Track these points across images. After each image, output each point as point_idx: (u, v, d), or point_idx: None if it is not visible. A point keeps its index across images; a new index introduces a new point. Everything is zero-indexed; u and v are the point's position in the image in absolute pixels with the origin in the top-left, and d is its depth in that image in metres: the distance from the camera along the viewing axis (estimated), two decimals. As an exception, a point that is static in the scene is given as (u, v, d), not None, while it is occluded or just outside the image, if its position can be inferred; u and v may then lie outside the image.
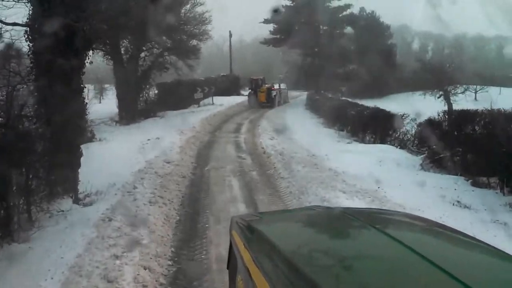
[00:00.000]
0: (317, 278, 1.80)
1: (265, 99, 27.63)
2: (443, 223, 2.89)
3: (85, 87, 9.42)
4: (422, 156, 11.04)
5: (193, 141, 15.01)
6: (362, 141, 14.98)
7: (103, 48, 23.68)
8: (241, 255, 2.57)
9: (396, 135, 13.81)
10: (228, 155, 12.64)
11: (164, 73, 25.48)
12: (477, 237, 2.35)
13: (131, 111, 23.22)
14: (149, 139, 15.04)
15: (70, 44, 7.19)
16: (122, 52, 23.26)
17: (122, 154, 11.66)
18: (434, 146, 10.20)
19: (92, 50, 7.35)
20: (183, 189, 8.77)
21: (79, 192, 7.83)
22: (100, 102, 39.30)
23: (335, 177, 9.00)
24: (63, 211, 6.81)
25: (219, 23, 24.68)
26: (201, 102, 29.43)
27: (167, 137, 15.35)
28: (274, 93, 27.74)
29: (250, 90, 28.73)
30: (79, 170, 7.85)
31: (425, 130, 11.09)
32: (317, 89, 28.65)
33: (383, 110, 14.24)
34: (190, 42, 23.89)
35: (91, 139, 15.83)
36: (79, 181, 7.80)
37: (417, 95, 31.01)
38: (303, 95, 36.99)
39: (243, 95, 39.22)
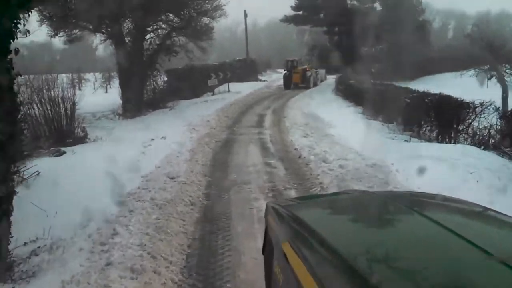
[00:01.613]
0: (357, 263, 1.71)
1: (299, 79, 27.45)
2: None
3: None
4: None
5: (207, 140, 12.00)
6: (419, 136, 11.80)
7: (103, 30, 20.82)
8: (278, 240, 2.46)
9: (468, 130, 10.58)
10: (252, 162, 9.59)
11: (173, 58, 22.45)
12: None
13: (136, 102, 20.35)
14: (153, 139, 12.15)
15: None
16: (125, 34, 20.25)
17: (114, 164, 8.68)
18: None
19: (28, 11, 4.26)
20: (190, 232, 5.73)
21: (25, 243, 4.92)
22: (106, 92, 36.77)
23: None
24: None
25: (231, 7, 21.32)
26: (216, 90, 26.40)
27: (175, 135, 12.44)
28: (309, 73, 27.35)
29: (285, 71, 28.43)
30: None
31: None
32: (347, 71, 25.39)
33: (450, 97, 10.95)
34: (201, 20, 20.62)
35: (83, 139, 12.98)
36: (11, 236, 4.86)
37: (454, 76, 27.96)
38: (328, 79, 33.76)
39: (260, 80, 36.07)
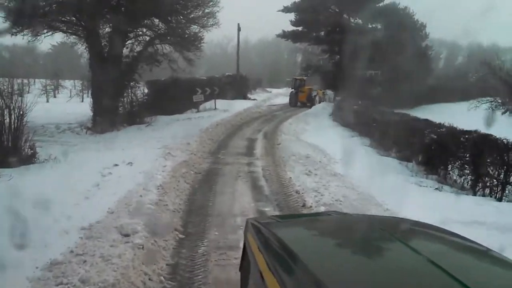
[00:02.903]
0: (329, 285, 1.72)
1: (305, 98, 28.31)
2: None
3: None
4: None
5: (184, 172, 9.54)
6: (445, 181, 9.57)
7: (79, 32, 18.38)
8: (255, 258, 2.40)
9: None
10: (241, 209, 7.17)
11: (156, 69, 20.08)
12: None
13: (110, 115, 17.77)
14: (116, 165, 9.69)
15: None
16: (101, 37, 17.82)
17: (50, 204, 6.12)
18: None
19: None
20: None
21: None
22: (82, 101, 34.02)
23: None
24: None
25: (223, 23, 19.09)
26: (201, 107, 24.02)
27: (145, 161, 9.98)
28: (314, 93, 28.32)
29: (292, 90, 29.47)
30: None
31: None
32: (347, 95, 23.34)
33: (493, 136, 8.71)
34: (190, 27, 18.29)
35: (29, 159, 10.41)
36: None
37: (455, 107, 26.51)
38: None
39: (250, 99, 33.83)
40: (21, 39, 16.90)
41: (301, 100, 28.73)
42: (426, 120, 11.83)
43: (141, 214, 6.23)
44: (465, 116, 17.35)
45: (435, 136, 10.00)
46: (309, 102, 28.03)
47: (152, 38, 17.66)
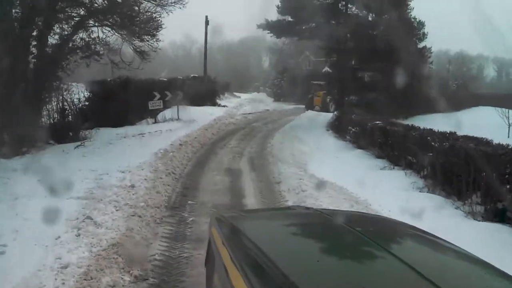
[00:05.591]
0: (293, 277, 1.70)
1: (320, 103, 28.97)
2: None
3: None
4: None
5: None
6: None
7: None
8: (219, 252, 2.34)
9: None
10: None
11: (100, 66, 14.62)
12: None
13: (23, 130, 12.12)
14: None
15: None
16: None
17: None
18: None
19: None
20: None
21: None
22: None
23: None
24: None
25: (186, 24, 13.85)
26: (160, 116, 18.61)
27: (26, 252, 4.67)
28: (328, 98, 28.23)
29: (310, 95, 30.70)
30: None
31: None
32: (348, 103, 18.73)
33: None
34: (141, 5, 12.79)
35: None
36: None
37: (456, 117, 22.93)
38: (299, 111, 27.63)
39: (219, 105, 28.57)
40: None
41: (316, 104, 29.69)
42: (492, 144, 7.23)
43: None
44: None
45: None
46: (324, 107, 28.20)
47: (84, 17, 12.08)
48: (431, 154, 8.42)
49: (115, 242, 5.03)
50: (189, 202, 7.45)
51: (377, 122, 11.85)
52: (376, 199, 7.13)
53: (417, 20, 27.35)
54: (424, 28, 27.45)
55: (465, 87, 49.77)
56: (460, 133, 9.10)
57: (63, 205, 6.26)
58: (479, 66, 67.49)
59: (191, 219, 6.48)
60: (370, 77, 22.87)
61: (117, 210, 6.32)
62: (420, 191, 8.01)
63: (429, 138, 8.64)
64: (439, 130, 9.50)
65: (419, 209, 6.00)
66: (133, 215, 6.19)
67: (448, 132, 8.97)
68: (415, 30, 26.65)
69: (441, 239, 2.29)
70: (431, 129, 9.51)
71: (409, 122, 16.98)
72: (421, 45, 27.37)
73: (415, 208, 5.84)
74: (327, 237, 2.43)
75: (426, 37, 27.69)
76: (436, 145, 8.43)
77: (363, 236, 2.20)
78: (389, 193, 7.12)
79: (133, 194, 7.22)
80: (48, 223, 5.43)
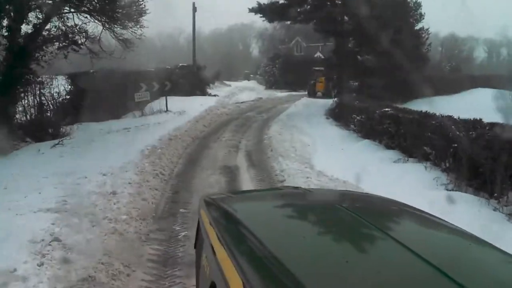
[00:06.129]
0: (280, 256, 1.68)
1: (323, 88, 28.58)
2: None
3: None
4: None
5: None
6: None
7: None
8: (207, 232, 2.35)
9: None
10: None
11: (81, 57, 13.41)
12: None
13: (-3, 128, 10.97)
14: None
15: None
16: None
17: None
18: None
19: None
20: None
21: None
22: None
23: None
24: None
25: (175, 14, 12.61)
26: (147, 108, 17.43)
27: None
28: (331, 84, 27.13)
29: (312, 81, 29.97)
30: None
31: None
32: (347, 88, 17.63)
33: None
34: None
35: None
36: None
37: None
38: (294, 98, 26.54)
39: (210, 94, 27.33)
40: None
41: (319, 89, 29.10)
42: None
43: None
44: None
45: None
46: (326, 92, 27.21)
47: (58, 3, 10.83)
48: (455, 145, 7.38)
49: (86, 276, 3.95)
50: (180, 210, 6.37)
51: (387, 109, 10.76)
52: (404, 202, 6.09)
53: (413, 0, 26.32)
54: (420, 9, 26.44)
55: (458, 69, 49.25)
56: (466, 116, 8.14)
57: (28, 222, 5.17)
58: (469, 48, 66.99)
59: (183, 233, 5.40)
60: (370, 61, 21.77)
61: (93, 226, 5.23)
62: (445, 188, 6.98)
63: (453, 126, 7.58)
64: (460, 117, 8.47)
65: (459, 213, 5.01)
66: (112, 233, 5.11)
67: (472, 119, 7.93)
68: (412, 10, 25.59)
69: (429, 214, 2.28)
70: (450, 116, 8.47)
71: (408, 106, 16.02)
72: (418, 26, 26.48)
73: (455, 212, 4.83)
74: (315, 216, 2.40)
75: (423, 18, 26.71)
76: (462, 134, 7.38)
77: (351, 213, 2.18)
78: (415, 192, 6.08)
79: (114, 204, 6.13)
80: (3, 249, 4.34)
